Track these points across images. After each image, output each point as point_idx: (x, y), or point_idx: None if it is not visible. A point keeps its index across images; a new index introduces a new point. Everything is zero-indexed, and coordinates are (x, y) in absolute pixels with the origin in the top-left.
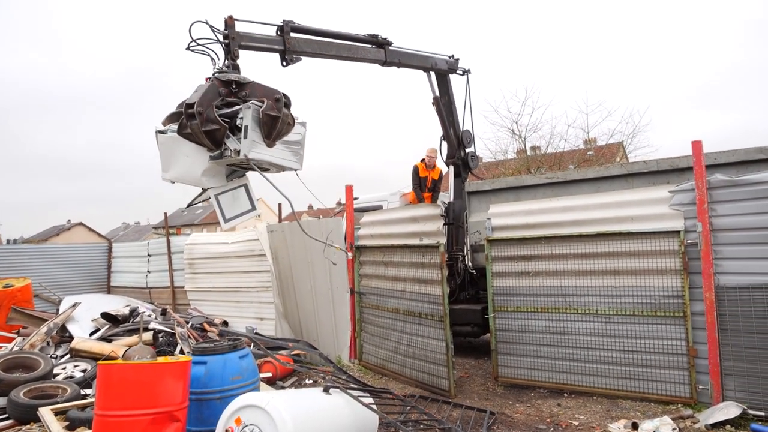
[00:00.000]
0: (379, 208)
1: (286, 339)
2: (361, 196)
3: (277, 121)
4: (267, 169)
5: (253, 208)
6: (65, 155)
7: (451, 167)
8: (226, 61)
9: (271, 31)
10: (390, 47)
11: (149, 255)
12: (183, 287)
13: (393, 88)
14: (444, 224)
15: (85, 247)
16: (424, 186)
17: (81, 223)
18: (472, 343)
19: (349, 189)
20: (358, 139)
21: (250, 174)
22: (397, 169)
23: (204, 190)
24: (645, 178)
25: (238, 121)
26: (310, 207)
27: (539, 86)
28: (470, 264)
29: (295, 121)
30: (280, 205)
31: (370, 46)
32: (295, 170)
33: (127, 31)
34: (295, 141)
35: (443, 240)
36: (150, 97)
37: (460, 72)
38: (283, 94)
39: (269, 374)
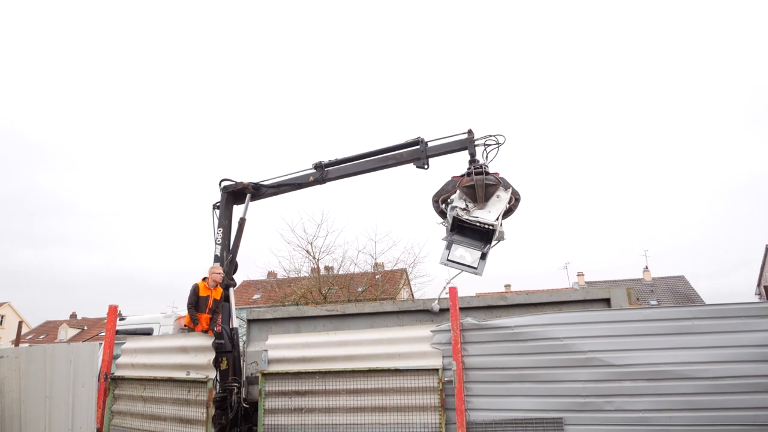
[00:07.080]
0: (149, 332)
1: None
2: (130, 317)
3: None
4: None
5: (476, 268)
6: None
7: (232, 290)
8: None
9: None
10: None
11: None
12: None
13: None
14: (220, 352)
15: None
16: (204, 307)
17: None
18: None
19: (112, 309)
20: (157, 241)
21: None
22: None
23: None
24: (414, 315)
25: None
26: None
27: (335, 211)
28: (244, 397)
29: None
30: (20, 323)
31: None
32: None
33: None
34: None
35: (212, 375)
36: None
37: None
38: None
39: None
